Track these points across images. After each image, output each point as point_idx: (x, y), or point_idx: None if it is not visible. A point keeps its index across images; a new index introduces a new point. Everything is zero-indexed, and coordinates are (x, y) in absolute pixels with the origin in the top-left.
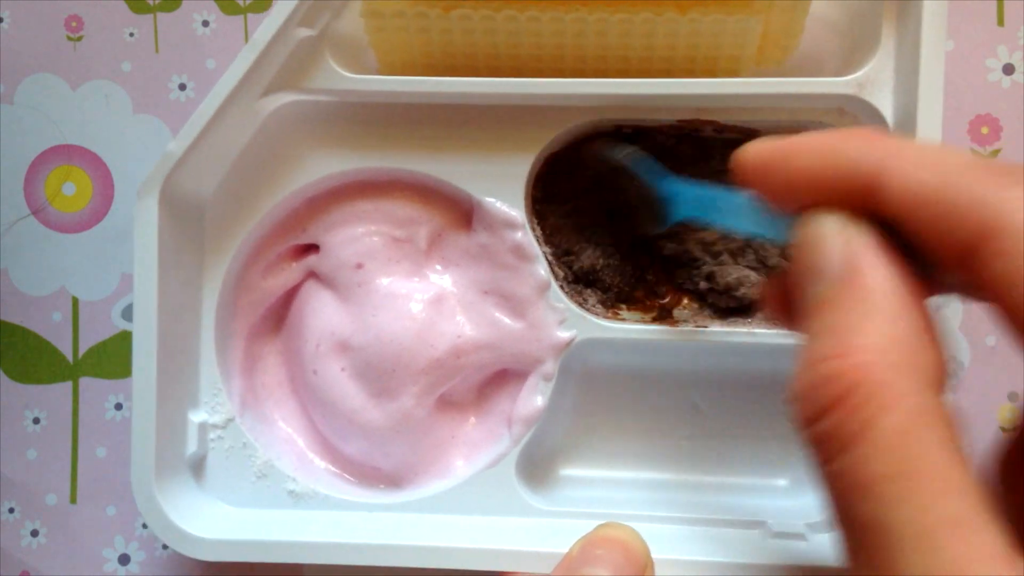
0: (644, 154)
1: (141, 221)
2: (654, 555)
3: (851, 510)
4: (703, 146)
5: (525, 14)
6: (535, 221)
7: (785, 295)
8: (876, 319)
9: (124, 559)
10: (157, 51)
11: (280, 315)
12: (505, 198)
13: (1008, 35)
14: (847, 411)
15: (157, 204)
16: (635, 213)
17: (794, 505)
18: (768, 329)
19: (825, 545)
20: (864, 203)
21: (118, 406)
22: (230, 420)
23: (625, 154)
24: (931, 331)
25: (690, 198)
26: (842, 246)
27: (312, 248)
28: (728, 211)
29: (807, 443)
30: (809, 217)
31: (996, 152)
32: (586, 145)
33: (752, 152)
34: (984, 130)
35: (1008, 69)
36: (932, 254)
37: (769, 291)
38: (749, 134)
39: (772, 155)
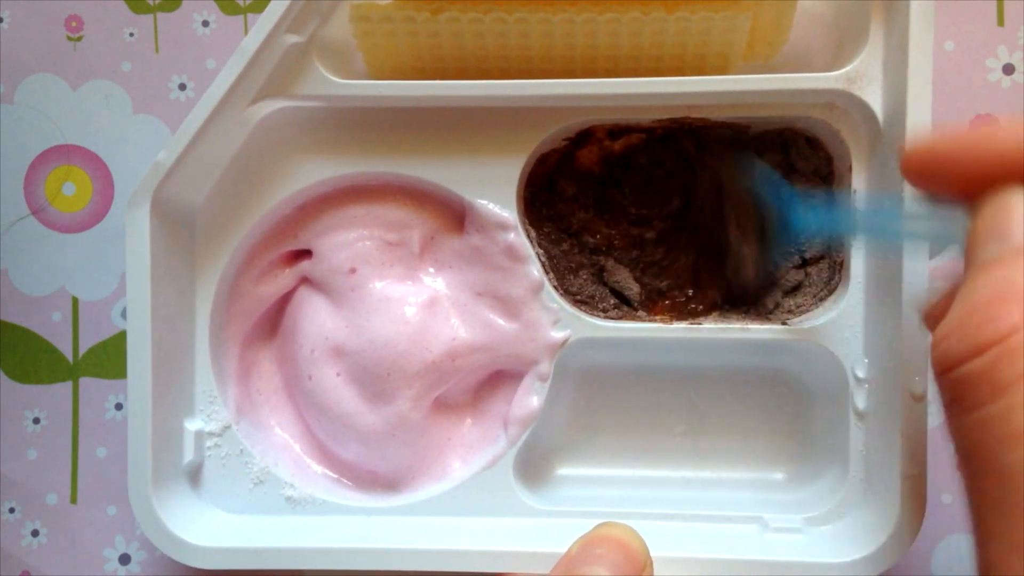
0: (771, 171)
1: (132, 231)
2: (652, 553)
3: (996, 459)
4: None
5: (513, 16)
6: (527, 222)
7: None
8: None
9: (125, 559)
10: (157, 51)
11: (274, 321)
12: (497, 200)
13: (1008, 35)
14: (997, 359)
15: (148, 214)
16: (761, 236)
17: (791, 499)
18: (761, 324)
19: (823, 539)
20: None
21: (118, 406)
22: (226, 427)
23: (755, 173)
24: None
25: (829, 215)
26: (1018, 214)
27: (305, 254)
28: (879, 220)
29: (949, 386)
30: (999, 189)
31: None
32: (716, 163)
33: (927, 144)
34: None
35: (1008, 69)
36: None
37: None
38: (740, 130)
39: (963, 139)
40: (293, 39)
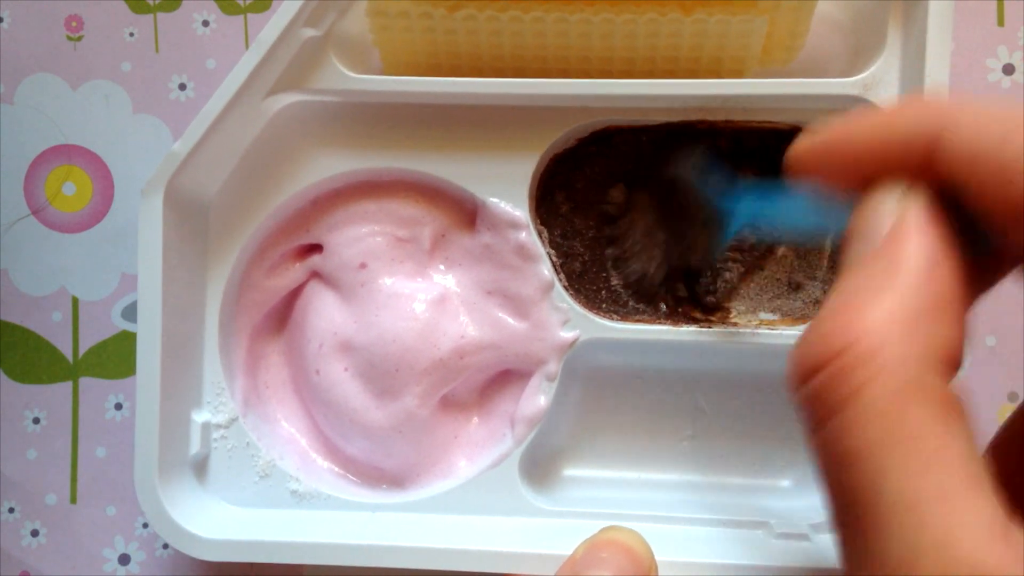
0: (706, 162)
1: (145, 221)
2: (657, 557)
3: (837, 480)
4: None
5: (530, 15)
6: (539, 221)
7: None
8: (895, 288)
9: (124, 559)
10: (157, 51)
11: (283, 315)
12: (509, 198)
13: (1008, 35)
14: (839, 371)
15: (162, 204)
16: (698, 235)
17: (798, 505)
18: (771, 330)
19: (829, 546)
20: (924, 172)
21: (118, 406)
22: (233, 420)
23: (689, 167)
24: (954, 311)
25: (747, 207)
26: (886, 214)
27: (316, 248)
28: (786, 211)
29: (799, 406)
30: (870, 191)
31: None
32: (664, 163)
33: (808, 141)
34: None
35: (1008, 69)
36: (991, 219)
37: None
38: (753, 135)
39: (830, 138)
40: (310, 32)
